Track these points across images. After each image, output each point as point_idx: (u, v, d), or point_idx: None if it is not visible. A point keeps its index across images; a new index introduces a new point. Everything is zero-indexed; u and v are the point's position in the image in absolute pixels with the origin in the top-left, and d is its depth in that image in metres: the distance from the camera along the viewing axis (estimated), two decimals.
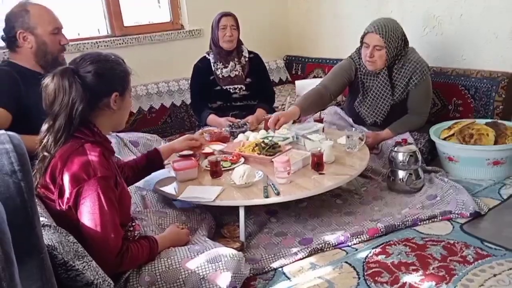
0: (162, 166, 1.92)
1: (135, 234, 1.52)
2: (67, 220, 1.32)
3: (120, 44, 3.23)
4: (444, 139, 2.45)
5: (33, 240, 0.88)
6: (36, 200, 1.26)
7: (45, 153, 1.35)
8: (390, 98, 2.51)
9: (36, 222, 0.87)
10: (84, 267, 1.15)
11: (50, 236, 1.09)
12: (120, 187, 1.41)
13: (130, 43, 3.29)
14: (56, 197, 1.33)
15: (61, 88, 1.32)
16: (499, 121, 2.47)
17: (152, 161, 1.86)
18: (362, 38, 2.49)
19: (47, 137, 1.35)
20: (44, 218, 1.18)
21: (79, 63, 1.38)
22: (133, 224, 1.54)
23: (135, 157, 2.40)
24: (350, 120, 2.72)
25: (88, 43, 3.10)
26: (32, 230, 0.87)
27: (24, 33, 1.91)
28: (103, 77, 1.37)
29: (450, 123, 2.57)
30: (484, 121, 2.48)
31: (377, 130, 2.59)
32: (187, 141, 2.02)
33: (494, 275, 1.55)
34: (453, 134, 2.44)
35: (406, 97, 2.53)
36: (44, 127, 1.37)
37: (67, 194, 1.31)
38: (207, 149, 2.28)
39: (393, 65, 2.49)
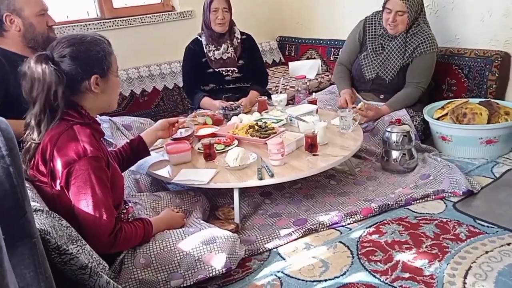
0: (148, 154, 1.83)
1: (129, 217, 1.52)
2: (61, 204, 1.32)
3: (110, 26, 3.17)
4: (438, 118, 2.45)
5: (24, 225, 0.87)
6: (28, 185, 1.27)
7: (31, 138, 1.35)
8: (402, 58, 2.56)
9: (27, 207, 0.86)
10: (78, 251, 1.14)
11: (42, 220, 1.08)
12: (112, 168, 1.41)
13: (120, 25, 3.23)
14: (48, 180, 1.33)
15: (35, 75, 1.30)
16: (493, 100, 2.47)
17: (137, 150, 1.78)
18: (385, 3, 2.54)
19: (31, 122, 1.35)
20: (36, 203, 1.17)
21: (55, 48, 1.35)
22: (127, 207, 1.54)
23: (127, 140, 2.40)
24: (360, 97, 2.78)
25: (77, 25, 3.05)
26: (23, 215, 0.86)
27: (11, 15, 1.87)
28: (78, 61, 1.34)
29: (443, 102, 2.57)
30: (477, 100, 2.48)
31: (377, 95, 2.67)
32: (166, 130, 1.90)
33: (486, 252, 1.57)
34: (446, 114, 2.44)
35: (410, 63, 2.56)
36: (28, 112, 1.36)
37: (59, 175, 1.30)
38: (201, 132, 2.27)
39: (409, 29, 2.55)
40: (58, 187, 1.32)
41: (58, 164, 1.30)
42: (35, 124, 1.34)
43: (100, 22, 3.15)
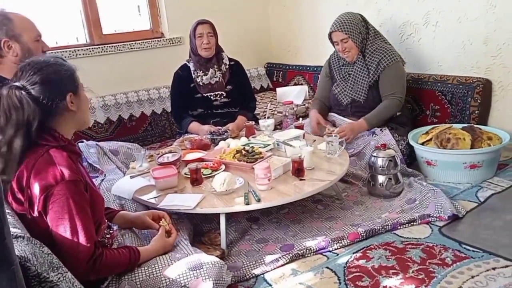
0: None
1: (113, 242, 1.49)
2: (39, 230, 1.29)
3: (99, 52, 3.20)
4: (422, 143, 2.49)
5: (3, 252, 0.85)
6: (9, 211, 1.24)
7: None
8: (367, 77, 2.66)
9: (6, 234, 0.85)
10: (59, 278, 1.11)
11: (23, 247, 1.05)
12: (90, 190, 1.39)
13: (110, 51, 3.26)
14: (26, 206, 1.30)
15: (12, 107, 1.28)
16: (475, 125, 2.52)
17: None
18: (330, 39, 2.73)
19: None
20: (17, 229, 1.15)
21: (22, 76, 1.33)
22: (111, 231, 1.51)
23: (114, 166, 2.39)
24: (335, 115, 2.83)
25: (66, 51, 3.07)
26: (1, 241, 0.84)
27: (9, 41, 1.87)
28: (51, 83, 1.34)
29: (427, 128, 2.61)
30: (460, 125, 2.53)
31: (358, 116, 2.68)
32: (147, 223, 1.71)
33: (472, 277, 1.57)
34: (430, 139, 2.48)
35: (378, 79, 2.65)
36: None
37: (36, 201, 1.28)
38: (188, 157, 2.27)
39: (365, 50, 2.68)
40: (36, 213, 1.29)
41: (36, 190, 1.27)
42: (4, 155, 1.28)
43: (89, 48, 3.18)
